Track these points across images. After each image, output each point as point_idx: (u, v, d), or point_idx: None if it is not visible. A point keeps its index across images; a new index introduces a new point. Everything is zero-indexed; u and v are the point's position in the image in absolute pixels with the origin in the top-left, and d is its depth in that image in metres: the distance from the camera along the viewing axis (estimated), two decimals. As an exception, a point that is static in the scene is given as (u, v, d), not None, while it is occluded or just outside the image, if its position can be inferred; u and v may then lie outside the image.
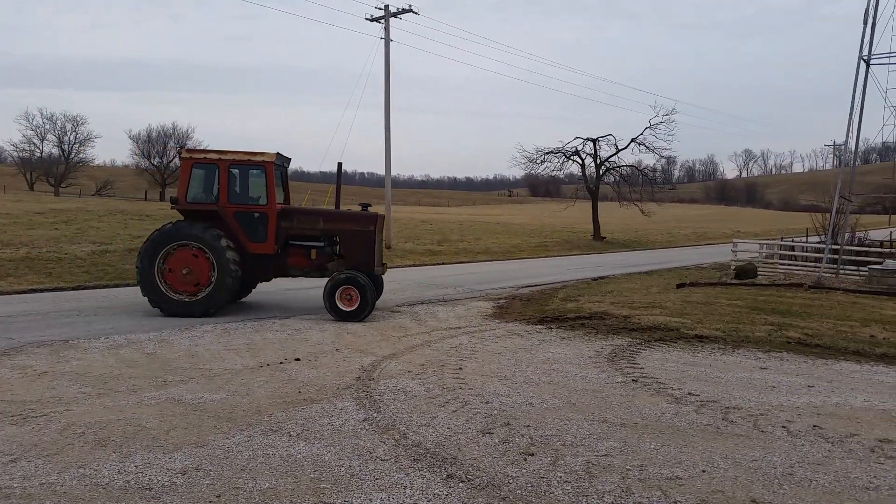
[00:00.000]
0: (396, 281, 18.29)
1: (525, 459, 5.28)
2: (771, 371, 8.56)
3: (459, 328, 11.46)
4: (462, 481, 4.86)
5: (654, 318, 12.38)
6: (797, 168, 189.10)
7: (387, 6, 29.28)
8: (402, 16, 29.53)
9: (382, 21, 29.47)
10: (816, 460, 5.39)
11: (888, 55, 18.82)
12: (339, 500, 4.55)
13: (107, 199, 60.31)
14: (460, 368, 8.30)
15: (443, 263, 24.80)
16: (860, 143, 22.09)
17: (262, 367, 8.41)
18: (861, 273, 19.88)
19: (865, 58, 19.36)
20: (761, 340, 10.52)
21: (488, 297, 16.02)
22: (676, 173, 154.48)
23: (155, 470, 5.03)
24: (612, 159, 40.72)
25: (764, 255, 24.88)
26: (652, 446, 5.60)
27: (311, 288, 15.64)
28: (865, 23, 19.13)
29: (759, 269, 21.49)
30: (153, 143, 73.98)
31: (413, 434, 5.85)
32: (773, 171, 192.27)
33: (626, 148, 40.07)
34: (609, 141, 40.49)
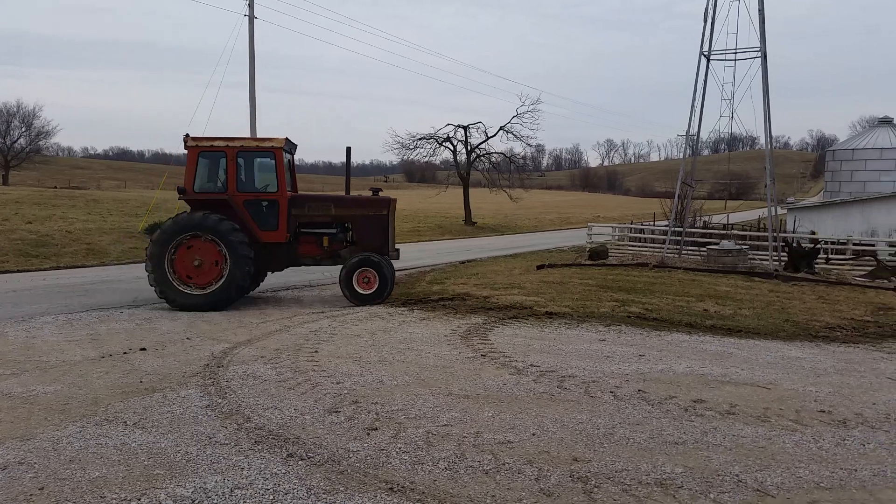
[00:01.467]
0: (260, 267, 17.90)
1: (368, 434, 5.41)
2: (608, 343, 9.20)
3: (322, 312, 11.43)
4: (302, 459, 4.92)
5: (511, 297, 12.91)
6: (654, 157, 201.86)
7: (250, -17, 28.28)
8: (266, -5, 28.62)
9: (246, -1, 28.44)
10: (636, 421, 5.89)
11: (724, 52, 20.49)
12: (172, 485, 4.47)
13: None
14: (316, 351, 8.31)
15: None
16: (711, 134, 24.02)
17: (104, 357, 8.02)
18: (701, 253, 21.63)
19: (706, 53, 20.96)
20: (605, 315, 11.26)
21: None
22: (545, 161, 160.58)
23: (-31, 467, 4.72)
24: (482, 146, 41.71)
25: (616, 237, 26.49)
26: (490, 414, 5.90)
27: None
28: (705, 21, 20.71)
29: (610, 250, 22.87)
30: (-8, 122, 67.44)
31: (257, 417, 5.83)
32: (633, 160, 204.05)
33: (495, 136, 41.19)
34: (479, 128, 41.44)
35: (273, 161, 12.50)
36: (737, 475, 4.73)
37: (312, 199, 13.34)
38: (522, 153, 46.13)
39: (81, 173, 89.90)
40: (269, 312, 11.33)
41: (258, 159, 12.74)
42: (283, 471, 4.72)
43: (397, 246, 13.59)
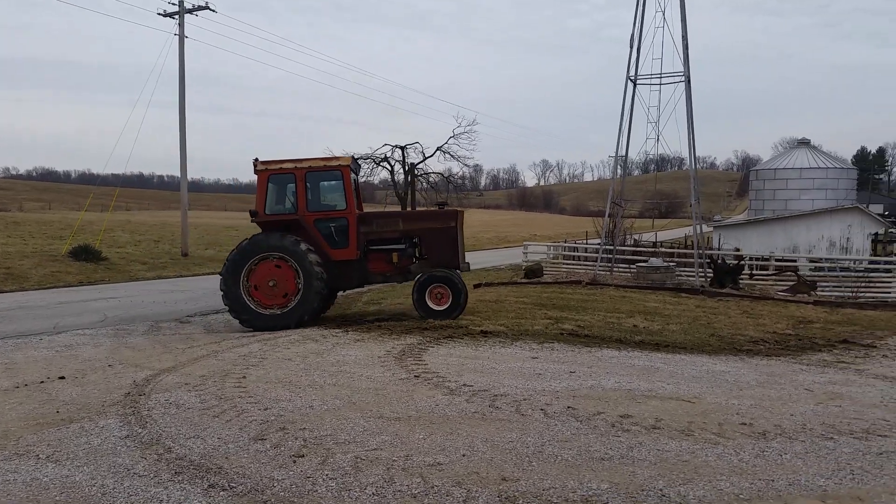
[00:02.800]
0: (190, 290, 17.43)
1: (294, 462, 5.29)
2: (541, 360, 9.30)
3: (253, 336, 11.18)
4: (224, 490, 4.76)
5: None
6: (588, 177, 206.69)
7: (181, 1, 27.80)
8: (198, 12, 28.20)
9: (177, 17, 27.93)
10: (565, 438, 5.95)
11: (650, 76, 21.20)
12: (84, 522, 4.26)
13: None
14: (244, 377, 8.10)
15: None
16: (639, 155, 24.66)
17: (19, 387, 7.63)
18: (631, 270, 22.18)
19: (632, 78, 21.65)
20: (538, 333, 11.38)
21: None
22: (483, 181, 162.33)
23: None
24: (420, 166, 41.88)
25: (551, 256, 26.94)
26: (421, 436, 5.86)
27: (89, 301, 14.41)
28: (631, 46, 21.41)
29: (545, 268, 23.22)
30: None
31: (179, 447, 5.62)
32: (567, 180, 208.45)
33: (432, 156, 41.35)
34: (416, 148, 41.58)
35: (341, 180, 12.72)
36: (660, 489, 4.82)
37: (380, 215, 13.54)
38: (460, 173, 46.54)
39: (2, 194, 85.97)
40: (196, 337, 11.01)
41: (325, 180, 12.96)
42: (204, 502, 4.56)
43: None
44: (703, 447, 5.80)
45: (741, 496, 4.76)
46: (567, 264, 25.41)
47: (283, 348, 9.95)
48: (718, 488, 4.88)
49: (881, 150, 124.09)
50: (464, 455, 5.43)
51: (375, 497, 4.63)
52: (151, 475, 5.03)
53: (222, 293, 12.16)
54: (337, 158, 12.82)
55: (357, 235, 12.56)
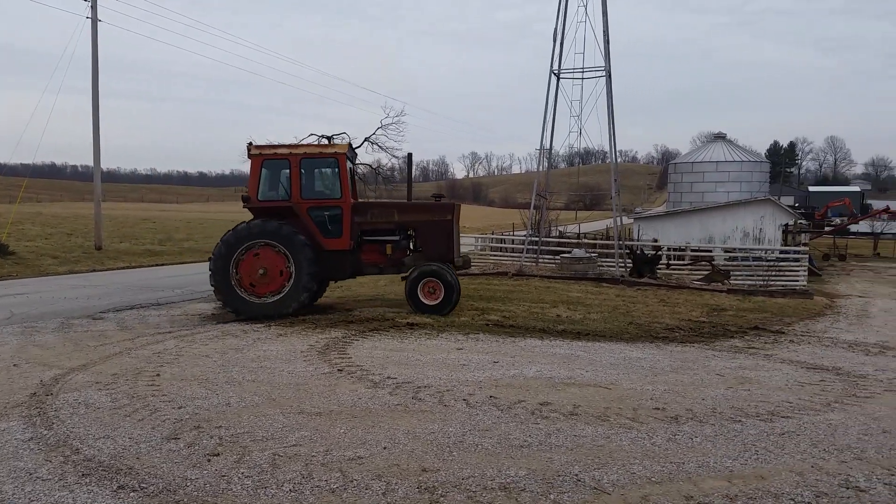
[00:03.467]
0: (104, 285, 16.72)
1: (209, 460, 5.14)
2: (465, 351, 9.37)
3: (170, 332, 10.80)
4: (134, 490, 4.59)
5: (374, 309, 12.85)
6: (515, 169, 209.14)
7: (92, -17, 26.47)
8: (111, -5, 26.94)
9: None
10: (486, 427, 6.01)
11: (573, 70, 21.60)
12: (-22, 532, 4.03)
13: None
14: (158, 375, 7.82)
15: (164, 264, 23.19)
16: (563, 148, 25.15)
17: None
18: (556, 261, 22.62)
19: (556, 72, 22.00)
20: (464, 324, 11.45)
21: (210, 298, 15.28)
22: (413, 173, 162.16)
23: None
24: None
25: (479, 247, 27.17)
26: (341, 431, 5.80)
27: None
28: (555, 41, 21.75)
29: (473, 260, 23.38)
30: None
31: (87, 449, 5.38)
32: (496, 172, 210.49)
33: (360, 147, 40.96)
34: (343, 139, 41.05)
35: (336, 168, 12.43)
36: (576, 475, 4.93)
37: (375, 205, 13.26)
38: (389, 164, 46.31)
39: None
40: (109, 335, 10.55)
41: (321, 167, 12.65)
42: (112, 505, 4.38)
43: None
44: (617, 432, 5.97)
45: (653, 479, 4.92)
46: (494, 256, 25.68)
47: (201, 345, 9.67)
48: (631, 472, 5.03)
49: (792, 145, 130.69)
50: (385, 448, 5.41)
51: (292, 494, 4.56)
52: (56, 478, 4.79)
53: (210, 276, 11.94)
54: (333, 146, 12.50)
55: (351, 225, 12.34)
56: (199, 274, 20.22)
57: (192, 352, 9.13)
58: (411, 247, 13.01)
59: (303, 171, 12.34)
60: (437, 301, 12.10)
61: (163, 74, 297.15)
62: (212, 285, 12.04)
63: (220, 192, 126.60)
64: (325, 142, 40.66)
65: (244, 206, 12.53)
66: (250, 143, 12.49)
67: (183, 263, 23.80)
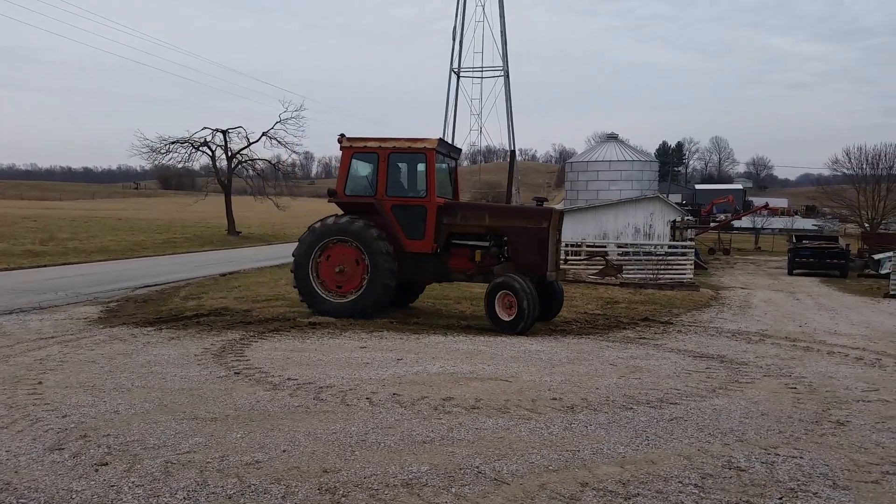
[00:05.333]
0: (-23, 289, 15.47)
1: (96, 470, 4.87)
2: (369, 349, 9.32)
3: (53, 338, 10.12)
4: (10, 508, 4.28)
5: (274, 310, 12.56)
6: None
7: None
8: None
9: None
10: (389, 424, 6.00)
11: (472, 69, 21.92)
12: None
13: None
14: (40, 382, 7.32)
15: (46, 266, 21.72)
16: (465, 146, 25.49)
17: None
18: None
19: (456, 70, 22.27)
20: (367, 322, 11.36)
21: (97, 300, 14.47)
22: (314, 168, 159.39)
23: None
24: (244, 152, 40.16)
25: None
26: (238, 435, 5.63)
27: None
28: (454, 39, 22.06)
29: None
30: None
31: (-44, 465, 4.97)
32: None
33: (257, 141, 39.86)
34: (240, 133, 39.83)
35: (424, 164, 11.66)
36: (477, 467, 5.01)
37: (467, 207, 12.11)
38: (289, 160, 45.33)
39: None
40: (-16, 341, 9.79)
41: (409, 163, 12.05)
42: (-16, 526, 4.07)
43: (562, 264, 12.36)
44: (517, 423, 6.11)
45: (550, 467, 5.07)
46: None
47: (87, 350, 9.13)
48: (530, 461, 5.17)
49: (679, 145, 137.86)
50: (284, 451, 5.30)
51: (187, 501, 4.39)
52: (-82, 501, 4.40)
53: (293, 263, 11.80)
54: (423, 140, 11.67)
55: (436, 227, 11.50)
56: (84, 275, 19.11)
57: (77, 358, 8.60)
58: (504, 255, 11.90)
59: (390, 166, 11.73)
60: (513, 317, 10.79)
61: (43, 63, 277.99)
62: (294, 287, 11.90)
63: (106, 188, 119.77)
64: (220, 136, 39.30)
65: (329, 201, 12.16)
66: (342, 135, 11.96)
67: (68, 265, 22.35)
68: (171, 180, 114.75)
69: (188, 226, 42.72)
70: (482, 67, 21.03)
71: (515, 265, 11.38)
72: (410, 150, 11.80)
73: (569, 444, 5.60)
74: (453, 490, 4.59)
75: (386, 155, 11.68)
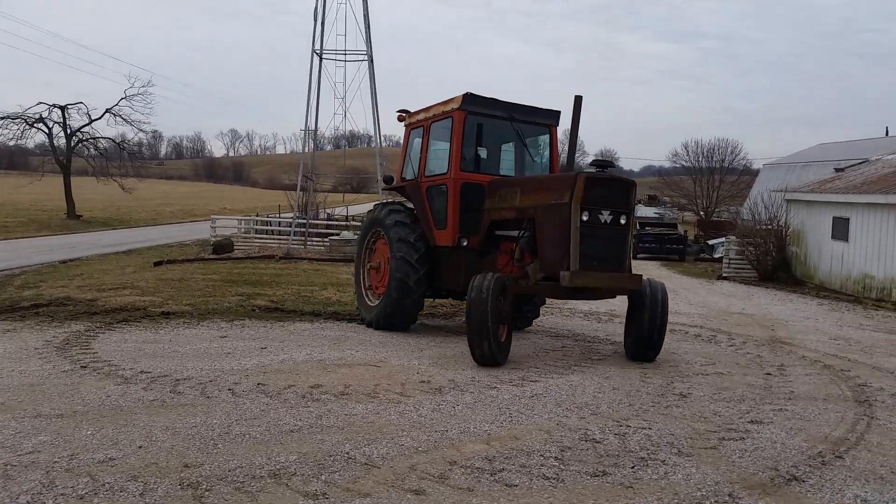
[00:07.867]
0: None
1: (-83, 481, 4.35)
2: (230, 339, 8.97)
3: None
4: None
5: (122, 299, 11.77)
6: (280, 150, 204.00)
7: None
8: None
9: None
10: (254, 415, 5.82)
11: (335, 52, 21.54)
12: None
13: None
14: None
15: None
16: (329, 130, 24.97)
17: None
18: (325, 243, 22.53)
19: (318, 52, 21.76)
20: (228, 311, 10.97)
21: (-89, 291, 12.90)
22: (163, 149, 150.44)
23: None
24: (85, 130, 37.16)
25: (243, 230, 26.14)
26: (89, 433, 5.24)
27: None
28: (315, 20, 21.47)
29: (237, 243, 22.44)
30: None
31: None
32: (259, 152, 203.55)
33: (100, 118, 37.10)
34: (80, 110, 36.80)
35: (449, 129, 9.13)
36: (347, 452, 4.98)
37: (502, 184, 9.03)
38: (135, 139, 42.48)
39: None
40: None
41: (442, 132, 9.50)
42: None
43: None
44: (387, 407, 6.14)
45: (420, 449, 5.14)
46: (260, 239, 24.83)
47: None
48: (400, 444, 5.21)
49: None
50: (140, 447, 4.99)
51: (30, 507, 4.03)
52: None
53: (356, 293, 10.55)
54: (452, 100, 9.20)
55: (457, 212, 8.97)
56: None
57: None
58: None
59: (431, 139, 9.64)
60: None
61: None
62: (356, 294, 10.58)
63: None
64: (58, 112, 36.09)
65: (383, 189, 10.90)
66: (402, 111, 10.15)
67: None
68: (1, 159, 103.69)
69: (21, 209, 39.04)
70: (345, 51, 20.69)
71: (540, 262, 8.28)
72: (443, 115, 9.43)
73: (437, 425, 5.70)
74: (323, 477, 4.54)
75: (429, 126, 9.66)
